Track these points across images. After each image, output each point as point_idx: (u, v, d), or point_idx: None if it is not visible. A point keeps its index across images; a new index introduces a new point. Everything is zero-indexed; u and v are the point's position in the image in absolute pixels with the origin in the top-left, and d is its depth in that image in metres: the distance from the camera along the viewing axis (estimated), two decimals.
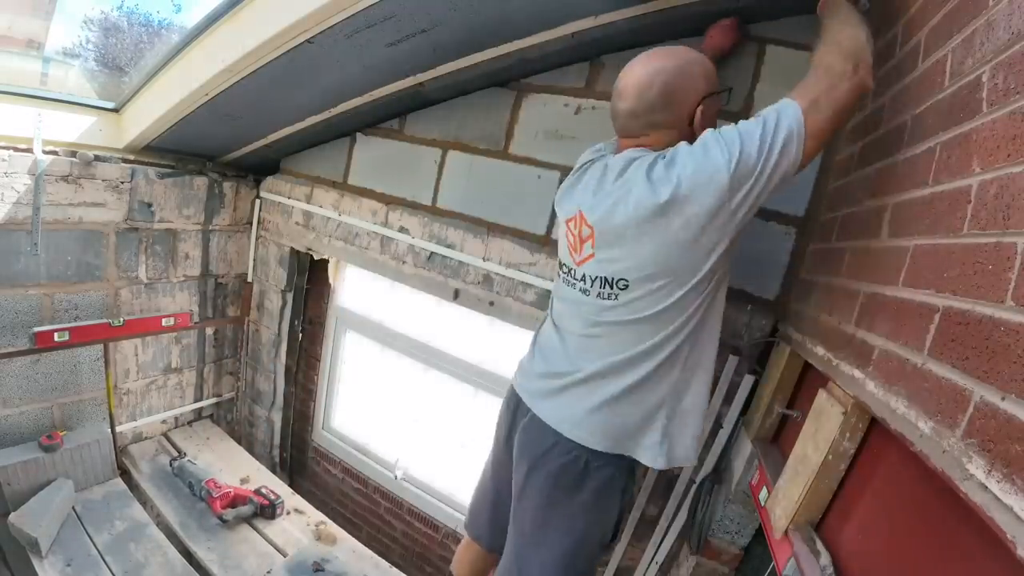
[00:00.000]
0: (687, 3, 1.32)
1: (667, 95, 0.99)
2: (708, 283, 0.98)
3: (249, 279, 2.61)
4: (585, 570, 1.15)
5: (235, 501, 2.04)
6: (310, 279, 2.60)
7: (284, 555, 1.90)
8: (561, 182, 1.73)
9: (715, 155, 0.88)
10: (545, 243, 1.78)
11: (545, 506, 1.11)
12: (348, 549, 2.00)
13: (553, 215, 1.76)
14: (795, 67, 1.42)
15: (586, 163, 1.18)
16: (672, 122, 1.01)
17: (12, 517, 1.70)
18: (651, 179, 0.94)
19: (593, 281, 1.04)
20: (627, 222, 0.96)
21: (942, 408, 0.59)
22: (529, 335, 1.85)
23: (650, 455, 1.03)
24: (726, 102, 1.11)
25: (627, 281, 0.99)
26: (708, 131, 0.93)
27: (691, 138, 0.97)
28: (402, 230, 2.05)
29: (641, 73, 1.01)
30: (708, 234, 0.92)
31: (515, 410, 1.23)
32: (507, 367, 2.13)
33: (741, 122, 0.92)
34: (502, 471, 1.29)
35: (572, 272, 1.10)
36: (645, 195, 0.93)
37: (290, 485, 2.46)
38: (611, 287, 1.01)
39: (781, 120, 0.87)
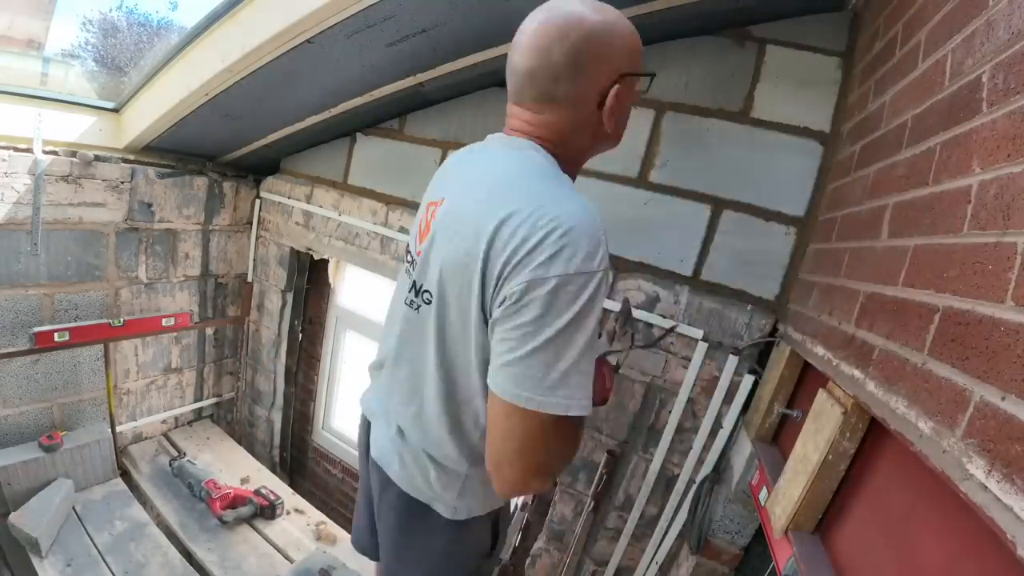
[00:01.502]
0: (687, 3, 1.32)
1: (575, 58, 0.73)
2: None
3: (249, 279, 2.61)
4: None
5: (235, 501, 2.04)
6: (310, 279, 2.60)
7: (285, 555, 1.90)
8: None
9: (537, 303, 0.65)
10: None
11: (396, 538, 1.00)
12: (348, 549, 2.00)
13: None
14: (795, 67, 1.42)
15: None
16: (570, 97, 0.76)
17: (12, 517, 1.69)
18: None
19: (420, 291, 0.85)
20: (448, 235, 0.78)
21: (942, 408, 0.59)
22: None
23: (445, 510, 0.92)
24: (645, 90, 0.87)
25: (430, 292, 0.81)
26: (582, 276, 0.66)
27: (596, 128, 0.79)
28: (402, 230, 2.05)
29: (551, 20, 0.74)
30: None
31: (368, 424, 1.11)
32: None
33: (573, 345, 0.67)
34: (368, 487, 1.12)
35: (409, 272, 0.93)
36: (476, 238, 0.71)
37: (290, 485, 2.46)
38: (424, 295, 0.84)
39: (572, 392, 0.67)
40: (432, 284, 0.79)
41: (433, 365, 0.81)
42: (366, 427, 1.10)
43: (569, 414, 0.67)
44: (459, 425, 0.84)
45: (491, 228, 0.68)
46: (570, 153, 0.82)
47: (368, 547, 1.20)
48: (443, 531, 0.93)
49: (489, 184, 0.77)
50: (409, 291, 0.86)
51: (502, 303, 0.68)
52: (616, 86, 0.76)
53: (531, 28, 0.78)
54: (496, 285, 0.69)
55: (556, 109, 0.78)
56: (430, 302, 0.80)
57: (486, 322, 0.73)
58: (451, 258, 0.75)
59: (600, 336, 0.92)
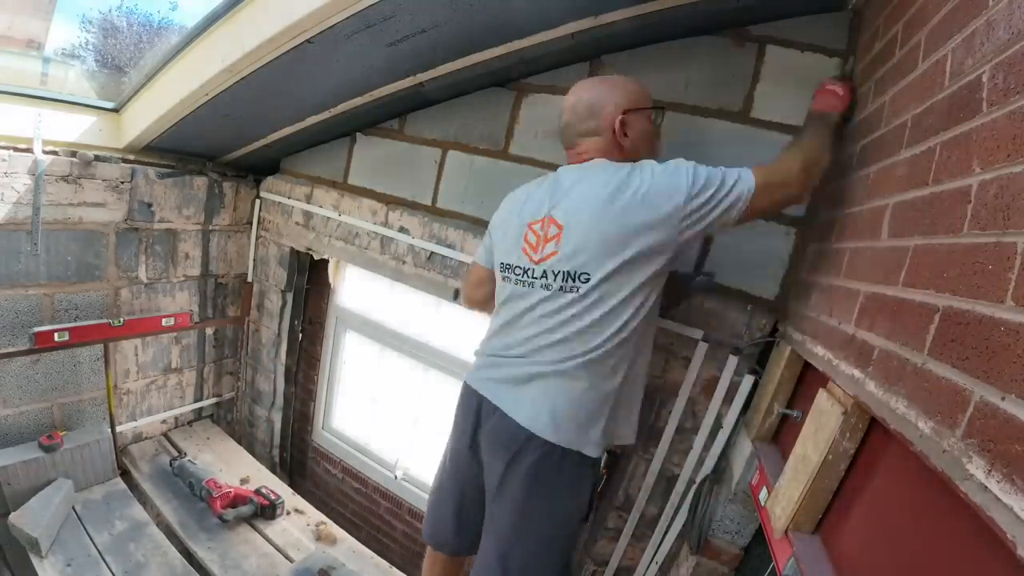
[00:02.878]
0: (687, 3, 1.32)
1: (590, 107, 1.17)
2: (645, 295, 1.09)
3: (249, 279, 2.61)
4: (567, 549, 1.23)
5: (235, 501, 2.04)
6: (310, 279, 2.60)
7: (285, 555, 1.90)
8: None
9: (681, 177, 1.03)
10: None
11: (525, 499, 1.15)
12: (348, 549, 2.00)
13: None
14: (795, 67, 1.42)
15: (529, 188, 1.28)
16: (597, 130, 1.17)
17: (12, 517, 1.69)
18: (616, 175, 1.08)
19: (556, 275, 1.10)
20: (592, 214, 1.07)
21: (942, 408, 0.59)
22: None
23: (592, 449, 1.13)
24: (659, 121, 1.25)
25: (588, 275, 1.06)
26: (681, 160, 1.07)
27: (620, 149, 1.17)
28: (402, 230, 2.05)
29: (573, 94, 1.23)
30: (650, 236, 1.03)
31: (477, 411, 1.24)
32: None
33: (712, 168, 1.05)
34: (467, 473, 1.29)
35: (529, 271, 1.16)
36: (607, 186, 1.07)
37: (290, 485, 2.46)
38: (574, 280, 1.08)
39: (738, 184, 1.03)
40: (585, 264, 1.07)
41: (584, 329, 1.08)
42: (475, 410, 1.24)
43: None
44: (603, 371, 1.11)
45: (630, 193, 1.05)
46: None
47: (449, 540, 1.37)
48: (573, 471, 1.13)
49: (601, 182, 1.09)
50: (550, 280, 1.11)
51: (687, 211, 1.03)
52: (620, 117, 1.15)
53: (565, 104, 1.24)
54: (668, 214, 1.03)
55: (588, 140, 1.20)
56: (587, 280, 1.06)
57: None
58: (605, 238, 1.05)
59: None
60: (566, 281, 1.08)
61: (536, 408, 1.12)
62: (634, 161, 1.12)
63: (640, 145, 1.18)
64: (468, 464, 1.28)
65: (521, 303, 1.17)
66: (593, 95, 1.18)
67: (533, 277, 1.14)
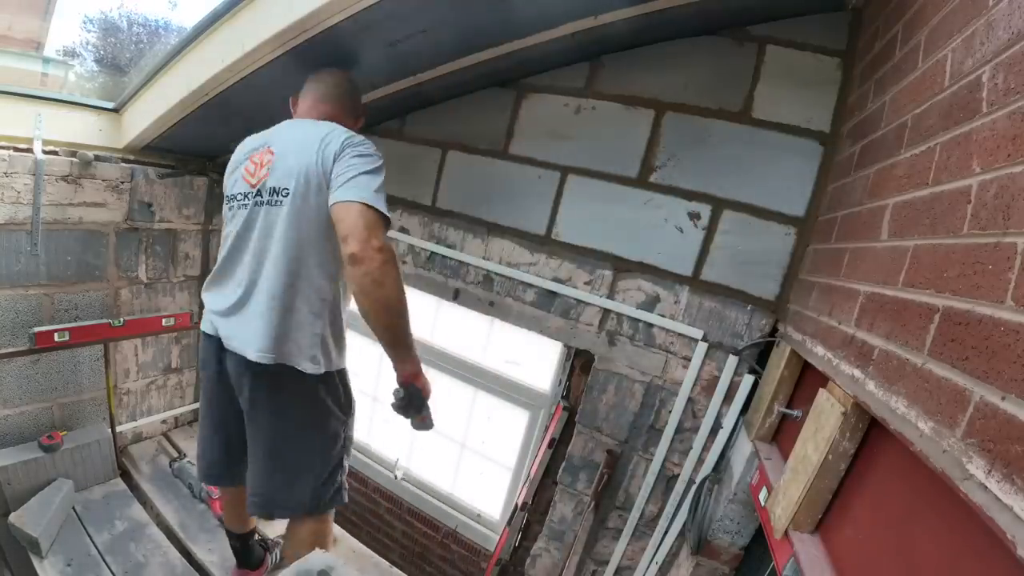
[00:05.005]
0: (687, 3, 1.32)
1: (353, 91, 1.49)
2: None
3: None
4: (332, 445, 1.36)
5: None
6: None
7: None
8: (561, 182, 1.74)
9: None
10: (545, 243, 1.78)
11: (273, 413, 1.29)
12: (348, 549, 2.00)
13: (555, 213, 1.76)
14: (795, 67, 1.42)
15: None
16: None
17: (12, 517, 1.69)
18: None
19: (268, 191, 1.22)
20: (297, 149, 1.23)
21: (942, 408, 0.59)
22: (529, 335, 1.86)
23: (310, 367, 1.24)
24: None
25: (288, 189, 1.20)
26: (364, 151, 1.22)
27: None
28: (402, 230, 2.05)
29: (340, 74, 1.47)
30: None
31: (217, 346, 1.31)
32: (508, 367, 2.13)
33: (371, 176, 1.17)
34: (224, 405, 1.38)
35: (246, 195, 1.26)
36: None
37: None
38: (277, 194, 1.21)
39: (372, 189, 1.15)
40: (288, 182, 1.20)
41: (291, 241, 1.19)
42: (214, 345, 1.33)
43: (383, 211, 1.12)
44: (310, 283, 1.22)
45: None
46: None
47: (223, 473, 1.48)
48: (309, 385, 1.26)
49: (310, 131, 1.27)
50: (255, 197, 1.24)
51: (336, 161, 1.17)
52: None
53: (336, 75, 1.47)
54: (335, 159, 1.18)
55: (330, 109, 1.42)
56: (287, 195, 1.19)
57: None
58: (302, 163, 1.19)
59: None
60: (272, 195, 1.23)
61: (248, 333, 1.24)
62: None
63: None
64: (221, 398, 1.37)
65: (238, 226, 1.30)
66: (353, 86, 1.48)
67: (249, 198, 1.27)
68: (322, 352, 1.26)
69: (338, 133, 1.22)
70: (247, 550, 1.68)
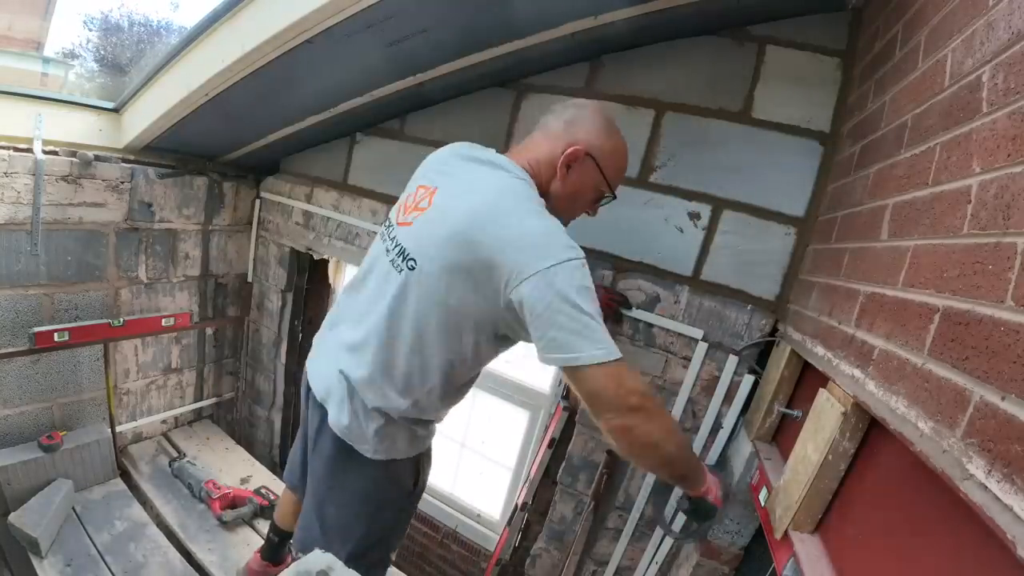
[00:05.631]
0: (687, 3, 1.32)
1: (572, 120, 1.11)
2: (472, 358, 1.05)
3: (249, 279, 2.61)
4: (381, 524, 1.23)
5: (235, 502, 2.04)
6: (310, 279, 2.60)
7: None
8: None
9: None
10: None
11: (329, 470, 1.18)
12: None
13: None
14: (795, 67, 1.42)
15: None
16: (552, 143, 1.09)
17: (12, 517, 1.69)
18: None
19: (397, 251, 1.03)
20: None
21: (942, 408, 0.59)
22: None
23: (372, 453, 1.12)
24: (602, 201, 1.21)
25: (415, 262, 0.97)
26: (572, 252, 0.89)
27: (545, 180, 1.07)
28: None
29: (586, 106, 1.16)
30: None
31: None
32: (507, 367, 2.13)
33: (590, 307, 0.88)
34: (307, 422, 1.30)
35: (392, 238, 1.08)
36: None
37: None
38: (405, 258, 0.99)
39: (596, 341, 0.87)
40: (427, 252, 0.97)
41: (409, 323, 0.99)
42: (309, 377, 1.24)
43: (610, 359, 0.85)
44: (411, 378, 1.04)
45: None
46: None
47: (298, 485, 1.42)
48: (367, 469, 1.13)
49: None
50: (396, 249, 1.03)
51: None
52: (578, 149, 1.07)
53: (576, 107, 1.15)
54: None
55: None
56: (414, 268, 0.97)
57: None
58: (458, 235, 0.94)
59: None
60: (400, 256, 1.04)
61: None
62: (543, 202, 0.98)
63: (567, 195, 1.06)
64: (307, 421, 1.30)
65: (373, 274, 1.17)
66: (585, 118, 1.06)
67: (389, 237, 1.12)
68: (392, 445, 1.13)
69: (531, 238, 0.87)
70: (280, 547, 1.68)
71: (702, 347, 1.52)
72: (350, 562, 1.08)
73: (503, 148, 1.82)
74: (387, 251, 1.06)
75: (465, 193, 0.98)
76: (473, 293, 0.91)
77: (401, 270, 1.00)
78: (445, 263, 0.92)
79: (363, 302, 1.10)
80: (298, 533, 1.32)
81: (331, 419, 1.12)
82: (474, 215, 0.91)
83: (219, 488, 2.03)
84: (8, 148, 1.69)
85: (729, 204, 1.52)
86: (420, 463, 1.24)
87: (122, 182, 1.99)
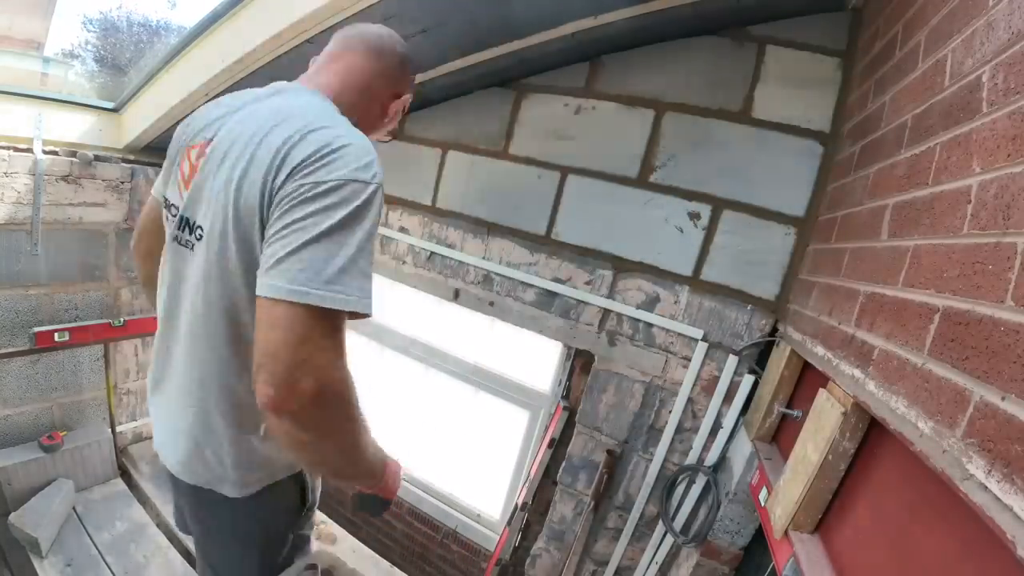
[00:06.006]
0: (687, 3, 1.32)
1: (397, 59, 1.02)
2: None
3: None
4: (277, 552, 1.02)
5: None
6: None
7: None
8: (561, 182, 1.74)
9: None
10: (545, 243, 1.78)
11: (202, 529, 0.98)
12: (348, 548, 2.00)
13: (554, 213, 1.76)
14: (795, 67, 1.42)
15: None
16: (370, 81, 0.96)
17: (12, 517, 1.69)
18: None
19: (179, 221, 0.81)
20: None
21: (942, 408, 0.59)
22: (529, 335, 1.86)
23: (236, 491, 0.86)
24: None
25: (203, 228, 0.76)
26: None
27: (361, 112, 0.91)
28: (402, 230, 2.05)
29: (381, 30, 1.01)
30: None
31: None
32: (507, 367, 2.13)
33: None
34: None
35: (175, 209, 0.84)
36: None
37: None
38: (189, 230, 0.78)
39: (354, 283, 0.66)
40: (205, 213, 0.75)
41: (217, 312, 0.75)
42: None
43: (347, 309, 0.63)
44: (245, 384, 0.74)
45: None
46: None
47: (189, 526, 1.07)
48: (237, 509, 0.88)
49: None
50: (177, 220, 0.80)
51: (278, 204, 0.67)
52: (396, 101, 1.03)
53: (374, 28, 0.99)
54: (274, 198, 0.68)
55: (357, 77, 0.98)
56: (201, 237, 0.75)
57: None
58: (234, 182, 0.71)
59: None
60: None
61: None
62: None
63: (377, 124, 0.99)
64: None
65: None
66: (400, 54, 0.99)
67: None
68: (259, 469, 0.86)
69: (316, 134, 0.70)
70: None
71: (702, 347, 1.52)
72: None
73: (503, 147, 1.84)
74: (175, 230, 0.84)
75: None
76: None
77: (186, 244, 0.82)
78: None
79: (169, 311, 0.85)
80: None
81: (180, 472, 0.87)
82: None
83: None
84: (8, 148, 1.69)
85: (729, 204, 1.52)
86: (302, 477, 0.99)
87: (122, 182, 1.99)
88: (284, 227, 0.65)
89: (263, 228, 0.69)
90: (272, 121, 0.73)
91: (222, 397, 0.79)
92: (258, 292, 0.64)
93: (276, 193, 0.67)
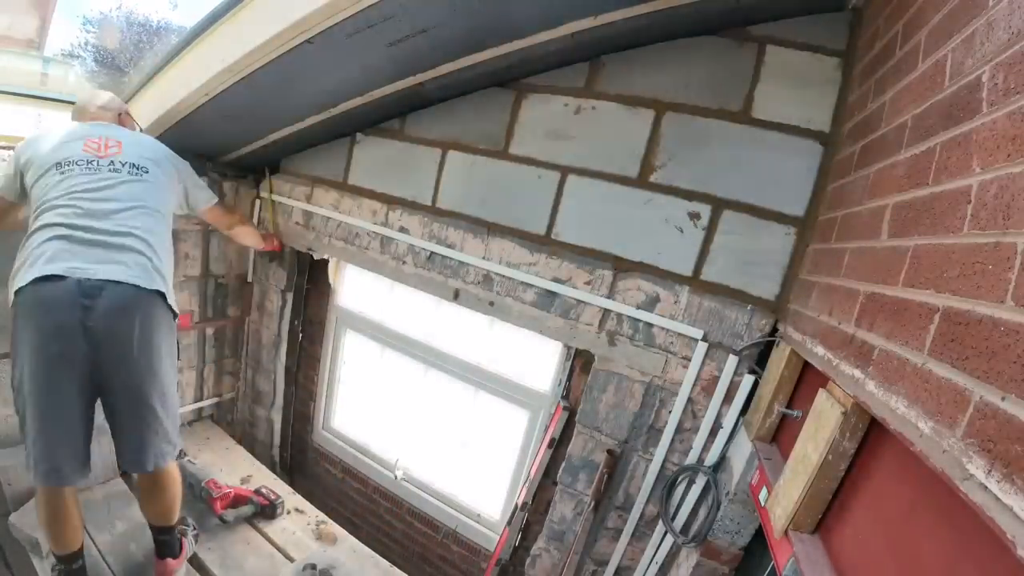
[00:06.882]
0: (687, 3, 1.32)
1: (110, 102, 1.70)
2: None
3: (249, 279, 2.61)
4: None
5: (235, 501, 2.04)
6: (310, 279, 2.60)
7: (285, 554, 1.90)
8: (561, 182, 1.74)
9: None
10: (545, 243, 1.78)
11: (154, 342, 1.39)
12: (348, 548, 2.00)
13: (554, 213, 1.76)
14: (795, 67, 1.42)
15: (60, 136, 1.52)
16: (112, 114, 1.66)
17: (13, 517, 1.69)
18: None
19: (124, 165, 1.49)
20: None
21: (942, 408, 0.59)
22: (529, 335, 1.86)
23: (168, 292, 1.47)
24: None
25: (147, 169, 1.54)
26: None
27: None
28: (402, 230, 2.05)
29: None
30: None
31: (75, 301, 1.27)
32: (507, 367, 2.13)
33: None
34: (77, 369, 1.30)
35: (95, 162, 1.46)
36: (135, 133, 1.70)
37: (290, 484, 2.46)
38: (139, 170, 1.51)
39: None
40: (144, 162, 1.55)
41: (151, 204, 1.51)
42: (72, 298, 1.29)
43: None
44: (162, 239, 1.51)
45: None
46: None
47: (78, 467, 1.38)
48: (161, 304, 1.44)
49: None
50: (109, 165, 1.48)
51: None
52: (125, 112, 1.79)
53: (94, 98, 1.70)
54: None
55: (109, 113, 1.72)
56: (146, 170, 1.53)
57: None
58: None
59: None
60: (134, 169, 1.50)
61: (133, 267, 1.38)
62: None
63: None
64: (72, 360, 1.29)
65: (92, 185, 1.43)
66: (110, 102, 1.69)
67: (99, 166, 1.45)
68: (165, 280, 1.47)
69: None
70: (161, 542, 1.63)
71: (702, 347, 1.52)
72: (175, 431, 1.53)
73: (503, 147, 1.84)
74: (102, 166, 1.48)
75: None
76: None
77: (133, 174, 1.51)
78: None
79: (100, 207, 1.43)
80: (139, 452, 1.42)
81: (120, 276, 1.33)
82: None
83: (220, 487, 2.03)
84: (8, 148, 1.69)
85: (729, 204, 1.52)
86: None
87: None
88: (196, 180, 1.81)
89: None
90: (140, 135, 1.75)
91: (151, 251, 1.46)
92: (204, 204, 1.84)
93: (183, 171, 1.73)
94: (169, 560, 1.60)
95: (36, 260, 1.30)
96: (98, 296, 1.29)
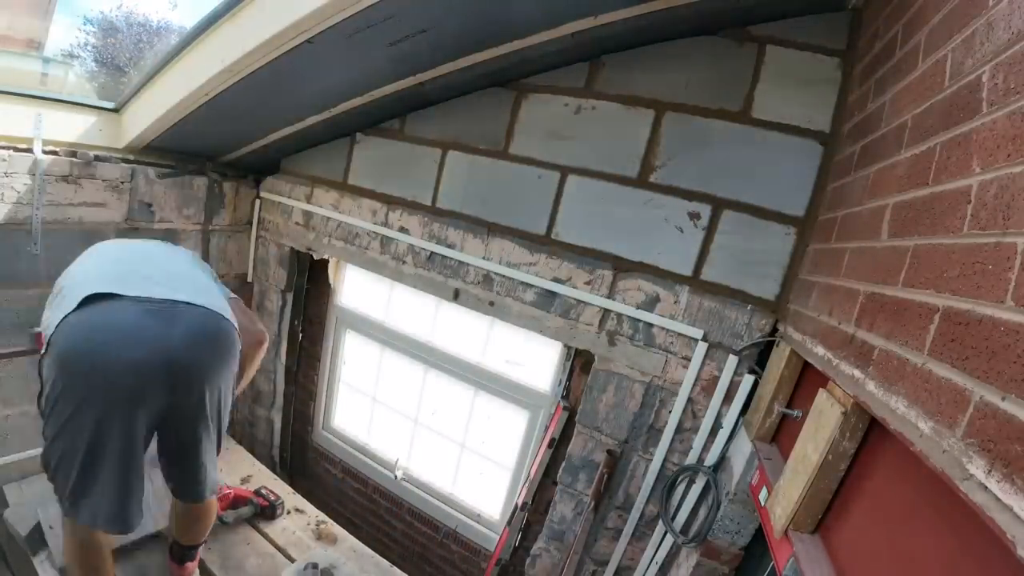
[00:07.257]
0: (687, 3, 1.31)
1: None
2: None
3: (249, 279, 2.61)
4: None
5: (235, 502, 2.04)
6: (310, 279, 2.60)
7: (285, 554, 1.89)
8: (561, 182, 1.74)
9: None
10: (545, 243, 1.78)
11: (226, 384, 1.27)
12: (349, 548, 2.00)
13: (554, 213, 1.76)
14: (795, 67, 1.42)
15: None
16: None
17: (12, 517, 1.69)
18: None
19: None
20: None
21: (942, 408, 0.59)
22: (529, 335, 1.86)
23: None
24: None
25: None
26: None
27: None
28: (402, 230, 2.05)
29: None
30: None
31: (145, 324, 1.09)
32: (508, 367, 2.13)
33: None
34: (153, 406, 1.13)
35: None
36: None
37: (290, 485, 2.46)
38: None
39: None
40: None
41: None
42: (128, 318, 1.10)
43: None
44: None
45: None
46: None
47: (140, 510, 1.21)
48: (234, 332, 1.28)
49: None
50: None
51: None
52: None
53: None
54: None
55: None
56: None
57: None
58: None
59: None
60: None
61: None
62: None
63: None
64: (160, 394, 1.12)
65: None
66: None
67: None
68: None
69: None
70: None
71: (702, 347, 1.52)
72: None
73: (503, 147, 1.84)
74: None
75: None
76: None
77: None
78: None
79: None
80: (200, 484, 1.38)
81: (193, 298, 1.18)
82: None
83: (220, 489, 2.03)
84: (8, 148, 1.69)
85: (729, 204, 1.52)
86: None
87: (122, 182, 1.99)
88: None
89: None
90: None
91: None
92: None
93: None
94: (188, 564, 1.64)
95: (76, 287, 1.11)
96: (174, 321, 1.11)
